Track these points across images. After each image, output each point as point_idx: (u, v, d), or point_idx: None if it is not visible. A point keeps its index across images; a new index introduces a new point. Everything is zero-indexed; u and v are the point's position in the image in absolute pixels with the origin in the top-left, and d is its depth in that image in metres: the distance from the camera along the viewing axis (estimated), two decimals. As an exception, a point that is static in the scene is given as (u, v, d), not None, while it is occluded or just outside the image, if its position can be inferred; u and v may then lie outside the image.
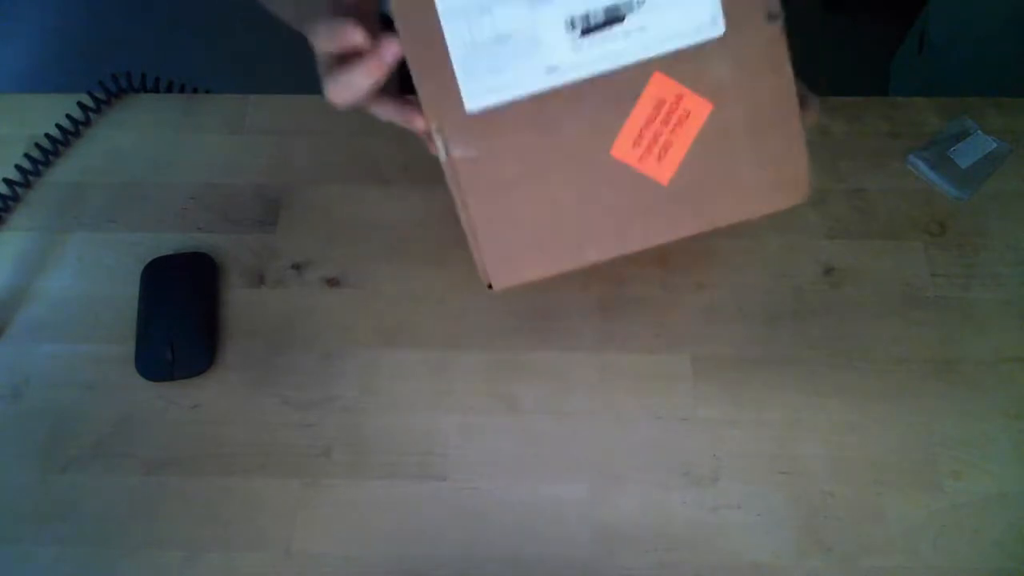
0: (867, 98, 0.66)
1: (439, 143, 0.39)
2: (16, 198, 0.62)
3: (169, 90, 0.68)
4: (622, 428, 0.54)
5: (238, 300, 0.59)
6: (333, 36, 0.40)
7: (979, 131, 0.63)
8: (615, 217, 0.42)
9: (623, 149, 0.40)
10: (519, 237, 0.42)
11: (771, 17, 0.38)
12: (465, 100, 0.38)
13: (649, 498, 0.52)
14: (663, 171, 0.41)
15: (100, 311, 0.58)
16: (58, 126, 0.64)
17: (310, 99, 0.67)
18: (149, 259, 0.59)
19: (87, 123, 0.65)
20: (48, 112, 0.65)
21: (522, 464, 0.53)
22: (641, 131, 0.40)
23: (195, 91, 0.68)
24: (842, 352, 0.56)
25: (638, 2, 0.37)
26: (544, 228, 0.42)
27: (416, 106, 0.41)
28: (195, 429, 0.54)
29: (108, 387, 0.55)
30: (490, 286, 0.43)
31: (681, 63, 0.38)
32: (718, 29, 0.38)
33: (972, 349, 0.56)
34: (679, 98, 0.39)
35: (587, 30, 0.37)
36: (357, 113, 0.66)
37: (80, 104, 0.65)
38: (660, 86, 0.39)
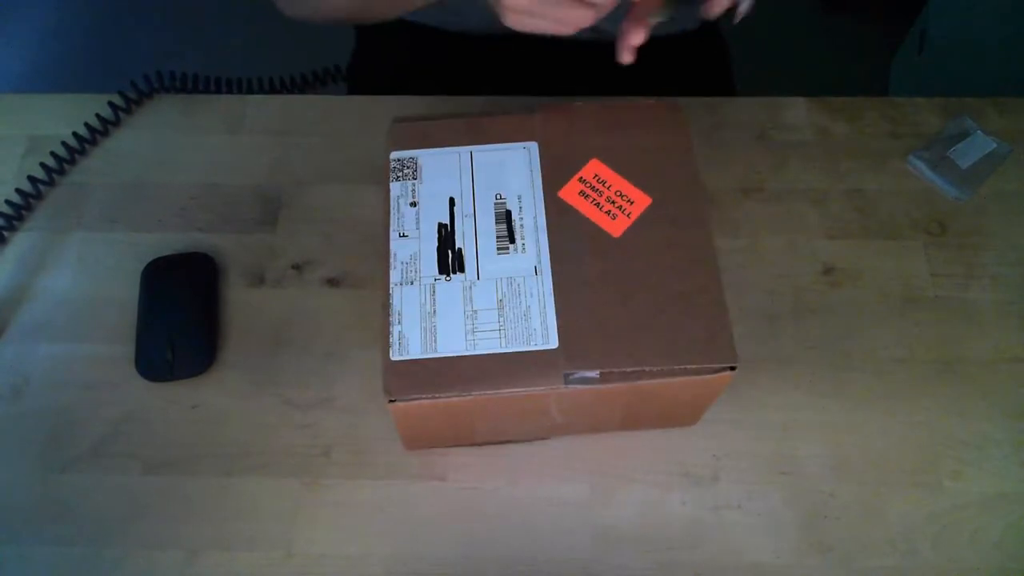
0: (867, 98, 0.66)
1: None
2: (40, 196, 0.62)
3: (196, 87, 0.68)
4: (622, 428, 0.54)
5: (238, 300, 0.59)
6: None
7: (979, 131, 0.63)
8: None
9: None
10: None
11: None
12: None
13: (649, 498, 0.52)
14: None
15: (100, 311, 0.58)
16: (87, 125, 0.64)
17: (310, 99, 0.67)
18: (149, 259, 0.59)
19: (116, 123, 0.65)
20: (48, 112, 0.65)
21: (522, 464, 0.53)
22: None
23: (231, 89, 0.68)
24: (842, 352, 0.56)
25: None
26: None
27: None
28: (195, 429, 0.54)
29: (108, 387, 0.55)
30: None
31: None
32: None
33: (972, 349, 0.56)
34: None
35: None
36: (357, 113, 0.66)
37: (111, 103, 0.65)
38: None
